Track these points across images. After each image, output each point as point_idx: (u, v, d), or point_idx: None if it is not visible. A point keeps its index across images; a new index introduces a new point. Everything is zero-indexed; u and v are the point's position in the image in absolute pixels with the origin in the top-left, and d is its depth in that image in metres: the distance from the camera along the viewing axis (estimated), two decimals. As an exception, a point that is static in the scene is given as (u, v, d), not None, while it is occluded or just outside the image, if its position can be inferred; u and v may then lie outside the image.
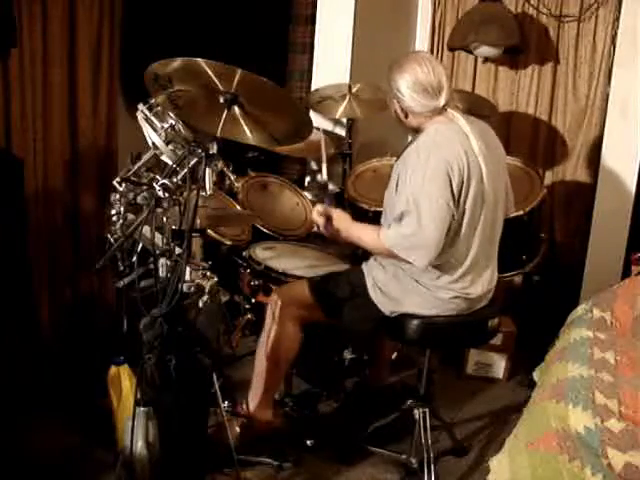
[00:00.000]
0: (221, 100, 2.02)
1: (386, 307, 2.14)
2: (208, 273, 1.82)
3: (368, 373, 2.70)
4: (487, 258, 2.15)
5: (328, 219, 2.16)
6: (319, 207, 2.20)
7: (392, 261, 2.10)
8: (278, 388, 2.36)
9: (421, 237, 1.94)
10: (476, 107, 3.07)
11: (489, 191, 2.03)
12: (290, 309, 2.24)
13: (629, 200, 3.40)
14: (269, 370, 2.27)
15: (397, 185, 2.04)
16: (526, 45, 3.57)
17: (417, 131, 2.10)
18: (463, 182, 1.96)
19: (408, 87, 2.00)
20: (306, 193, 3.28)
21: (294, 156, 3.46)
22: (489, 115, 3.16)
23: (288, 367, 2.34)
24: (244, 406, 2.34)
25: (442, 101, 2.00)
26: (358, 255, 2.62)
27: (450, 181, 1.93)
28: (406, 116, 2.08)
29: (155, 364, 1.78)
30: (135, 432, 1.87)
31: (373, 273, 2.18)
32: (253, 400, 2.31)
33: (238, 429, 2.28)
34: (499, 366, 2.99)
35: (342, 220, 2.16)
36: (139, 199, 1.77)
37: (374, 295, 2.15)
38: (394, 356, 2.95)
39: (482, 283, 2.13)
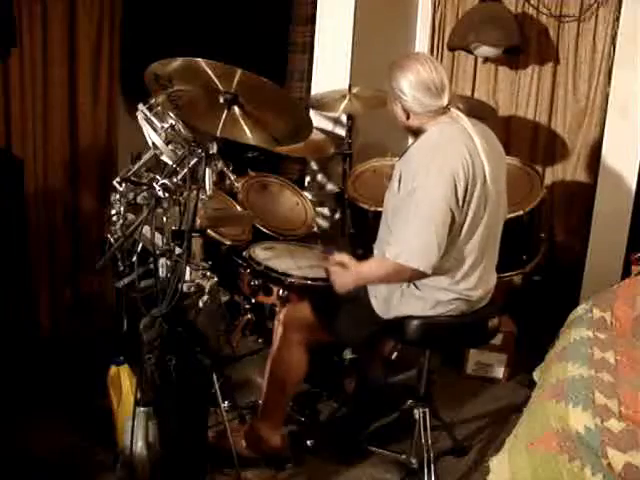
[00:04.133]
0: (221, 100, 2.02)
1: (387, 313, 2.12)
2: (208, 273, 1.82)
3: (368, 373, 2.69)
4: (488, 259, 2.14)
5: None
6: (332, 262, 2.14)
7: None
8: (285, 410, 2.34)
9: (422, 242, 1.91)
10: (476, 111, 3.06)
11: (492, 192, 2.01)
12: (295, 333, 2.22)
13: (629, 200, 3.40)
14: (275, 394, 2.26)
15: (399, 186, 2.02)
16: (526, 45, 3.56)
17: (418, 132, 2.08)
18: (468, 184, 1.94)
19: (411, 87, 1.97)
20: (306, 193, 3.28)
21: (294, 156, 3.46)
22: (489, 118, 3.16)
23: (293, 389, 2.32)
24: (253, 421, 2.34)
25: (445, 100, 1.98)
26: (358, 256, 2.62)
27: (455, 184, 1.91)
28: (407, 117, 2.04)
29: (155, 364, 1.78)
30: (135, 432, 1.87)
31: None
32: (261, 418, 2.30)
33: (244, 442, 2.27)
34: (499, 366, 2.99)
35: (350, 274, 2.08)
36: (139, 199, 1.77)
37: (375, 303, 2.13)
38: (394, 356, 2.95)
39: (483, 284, 2.13)
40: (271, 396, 2.27)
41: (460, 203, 1.94)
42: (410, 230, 1.93)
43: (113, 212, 1.84)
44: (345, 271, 2.09)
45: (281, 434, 2.30)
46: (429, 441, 2.25)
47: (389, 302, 2.11)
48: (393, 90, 2.03)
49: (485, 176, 1.98)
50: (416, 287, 2.08)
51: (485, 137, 2.03)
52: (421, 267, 1.92)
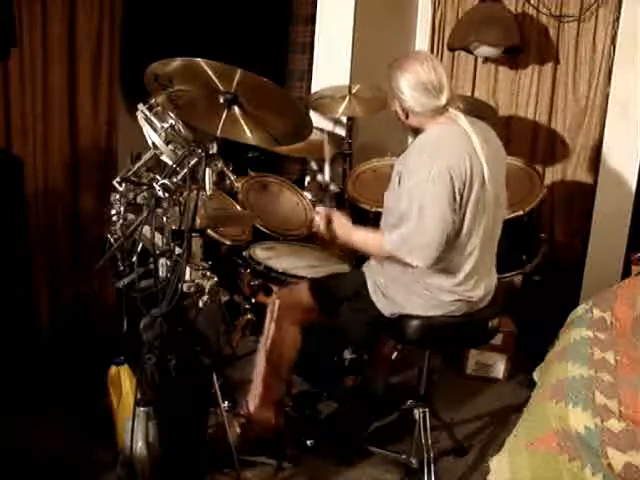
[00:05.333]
0: (221, 100, 2.02)
1: (387, 309, 2.13)
2: (208, 273, 1.82)
3: (368, 373, 2.69)
4: (488, 260, 2.14)
5: (328, 222, 2.16)
6: (320, 209, 2.20)
7: (394, 264, 2.09)
8: (279, 390, 2.35)
9: (422, 237, 1.93)
10: (476, 111, 3.06)
11: (490, 193, 2.01)
12: (290, 311, 2.23)
13: (629, 200, 3.40)
14: (268, 372, 2.27)
15: (399, 185, 2.02)
16: (526, 45, 3.56)
17: (417, 132, 2.09)
18: (465, 185, 1.94)
19: (409, 86, 1.98)
20: (306, 193, 3.28)
21: (294, 156, 3.46)
22: (489, 118, 3.15)
23: (288, 369, 2.33)
24: (245, 406, 2.33)
25: (443, 100, 1.98)
26: (358, 256, 2.62)
27: (453, 183, 1.91)
28: (407, 116, 2.06)
29: (155, 364, 1.78)
30: (135, 432, 1.87)
31: (375, 276, 2.17)
32: (253, 401, 2.31)
33: (239, 429, 2.27)
34: (499, 366, 2.99)
35: (343, 225, 2.15)
36: (139, 199, 1.78)
37: (376, 298, 2.14)
38: (394, 356, 2.94)
39: (483, 285, 2.13)
40: (265, 376, 2.27)
41: (458, 203, 1.95)
42: (411, 227, 1.94)
43: (113, 212, 1.84)
44: (341, 227, 2.14)
45: (275, 413, 2.30)
46: (429, 441, 2.25)
47: (390, 299, 2.12)
48: (392, 89, 2.04)
49: (484, 178, 1.98)
50: (420, 286, 2.08)
51: (485, 138, 2.03)
52: (419, 264, 1.96)
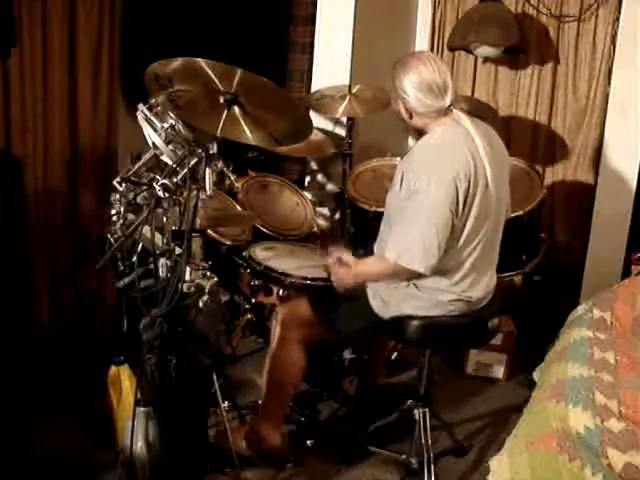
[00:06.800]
0: (221, 100, 2.02)
1: (386, 314, 2.12)
2: (208, 273, 1.82)
3: (367, 373, 2.69)
4: (488, 261, 2.14)
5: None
6: (332, 258, 2.15)
7: None
8: (285, 409, 2.35)
9: (423, 243, 1.91)
10: (476, 111, 3.06)
11: (493, 195, 2.01)
12: (294, 330, 2.22)
13: (629, 200, 3.40)
14: (274, 393, 2.27)
15: (401, 186, 2.01)
16: (526, 45, 3.56)
17: (421, 132, 2.08)
18: (470, 187, 1.93)
19: (413, 87, 1.97)
20: (306, 193, 3.28)
21: (294, 156, 3.46)
22: (489, 118, 3.15)
23: (292, 389, 2.32)
24: (254, 422, 2.34)
25: (447, 101, 1.97)
26: (358, 256, 2.62)
27: (457, 188, 1.91)
28: (410, 117, 2.04)
29: (155, 364, 1.78)
30: (135, 432, 1.87)
31: (372, 283, 2.16)
32: (261, 417, 2.30)
33: (244, 442, 2.27)
34: (499, 366, 2.99)
35: (348, 263, 2.11)
36: (139, 199, 1.77)
37: (375, 304, 2.13)
38: (394, 356, 2.95)
39: (482, 286, 2.12)
40: (271, 395, 2.27)
41: (461, 207, 1.94)
42: (411, 232, 1.93)
43: (113, 212, 1.84)
44: (344, 269, 2.10)
45: (281, 433, 2.30)
46: (429, 441, 2.25)
47: (388, 302, 2.11)
48: (396, 89, 2.02)
49: (487, 180, 1.97)
50: (416, 288, 2.08)
51: (488, 139, 2.02)
52: (421, 269, 1.94)
